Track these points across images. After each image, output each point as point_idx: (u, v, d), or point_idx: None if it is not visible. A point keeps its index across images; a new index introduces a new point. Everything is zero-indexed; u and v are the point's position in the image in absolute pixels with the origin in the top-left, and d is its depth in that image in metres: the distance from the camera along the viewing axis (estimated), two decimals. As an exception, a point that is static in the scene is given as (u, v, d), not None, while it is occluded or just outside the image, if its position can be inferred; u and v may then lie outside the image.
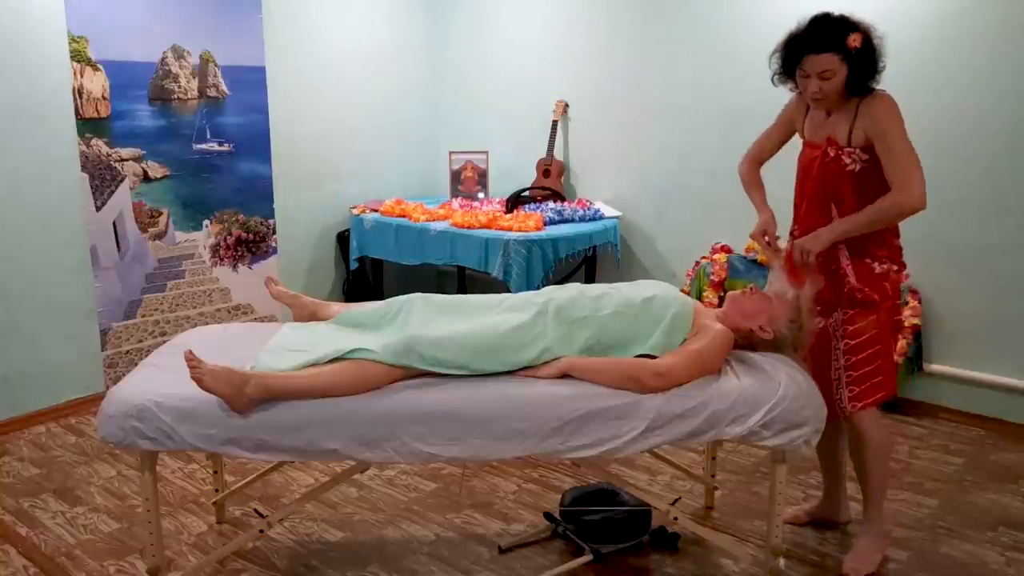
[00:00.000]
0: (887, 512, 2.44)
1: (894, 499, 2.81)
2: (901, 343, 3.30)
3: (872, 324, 2.23)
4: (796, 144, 2.44)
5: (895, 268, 2.25)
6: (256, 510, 2.71)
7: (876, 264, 2.23)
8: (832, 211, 2.24)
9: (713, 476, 2.78)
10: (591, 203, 4.38)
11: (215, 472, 2.67)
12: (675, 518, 2.22)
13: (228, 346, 2.24)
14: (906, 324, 3.34)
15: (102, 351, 3.72)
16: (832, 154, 2.21)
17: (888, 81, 3.47)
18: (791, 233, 2.41)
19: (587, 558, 2.40)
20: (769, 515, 2.14)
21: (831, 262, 2.25)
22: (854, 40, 2.07)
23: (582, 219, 4.19)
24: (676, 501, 2.59)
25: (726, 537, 2.55)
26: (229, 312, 4.21)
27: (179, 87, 3.86)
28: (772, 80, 2.27)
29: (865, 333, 2.24)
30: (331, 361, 2.00)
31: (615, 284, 2.31)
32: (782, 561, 2.21)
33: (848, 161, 2.18)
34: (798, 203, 2.39)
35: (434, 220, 4.21)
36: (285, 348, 2.13)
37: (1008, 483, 2.95)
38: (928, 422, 3.51)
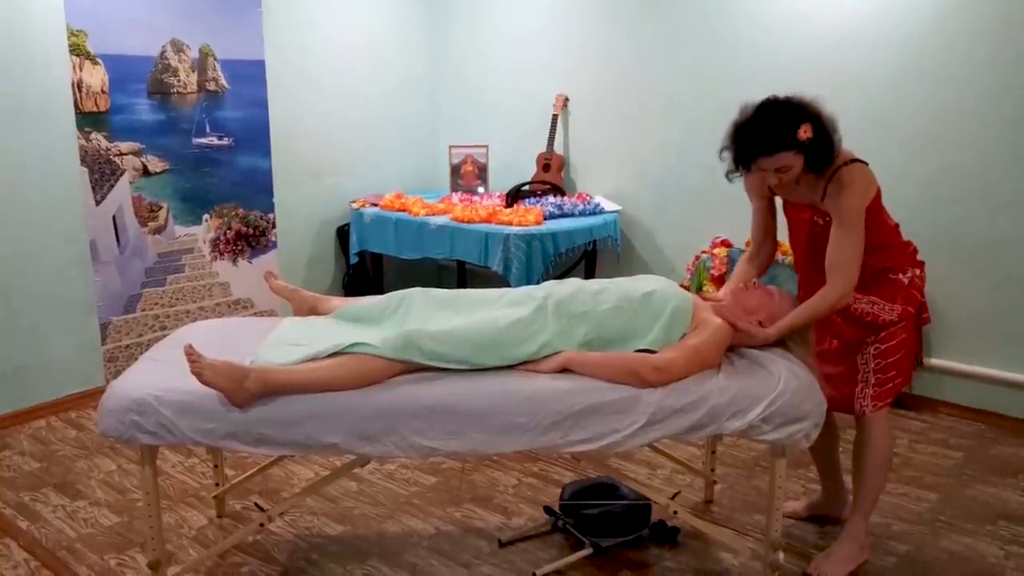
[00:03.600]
0: (871, 525, 2.43)
1: (893, 493, 2.82)
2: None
3: (903, 329, 2.26)
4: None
5: (917, 272, 2.26)
6: (256, 504, 2.71)
7: (902, 276, 2.23)
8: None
9: (713, 470, 2.78)
10: (591, 197, 4.37)
11: (215, 466, 2.67)
12: (675, 512, 2.22)
13: (228, 340, 2.24)
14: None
15: (102, 345, 3.72)
16: (821, 222, 2.21)
17: (889, 76, 3.50)
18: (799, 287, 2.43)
19: (587, 552, 2.41)
20: (769, 509, 2.14)
21: (852, 314, 2.25)
22: (804, 132, 2.02)
23: (582, 213, 4.19)
24: (676, 495, 2.60)
25: (726, 531, 2.55)
26: (229, 306, 4.21)
27: (178, 81, 3.85)
28: (727, 177, 2.22)
29: (898, 337, 2.25)
30: (331, 356, 2.00)
31: (615, 279, 2.31)
32: (781, 555, 2.22)
33: None
34: (797, 258, 2.40)
35: (434, 214, 4.20)
36: (285, 342, 2.13)
37: (1007, 477, 2.96)
38: (928, 416, 3.51)
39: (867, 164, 2.14)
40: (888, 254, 2.22)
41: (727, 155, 2.17)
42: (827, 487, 2.62)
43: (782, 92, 2.13)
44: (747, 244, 3.82)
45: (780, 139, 2.05)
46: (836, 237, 2.12)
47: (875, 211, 2.15)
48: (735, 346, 2.20)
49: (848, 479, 2.54)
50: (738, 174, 2.21)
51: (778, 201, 2.41)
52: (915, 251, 2.29)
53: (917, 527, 2.61)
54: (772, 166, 2.09)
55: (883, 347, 2.25)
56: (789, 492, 2.74)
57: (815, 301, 2.15)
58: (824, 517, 2.63)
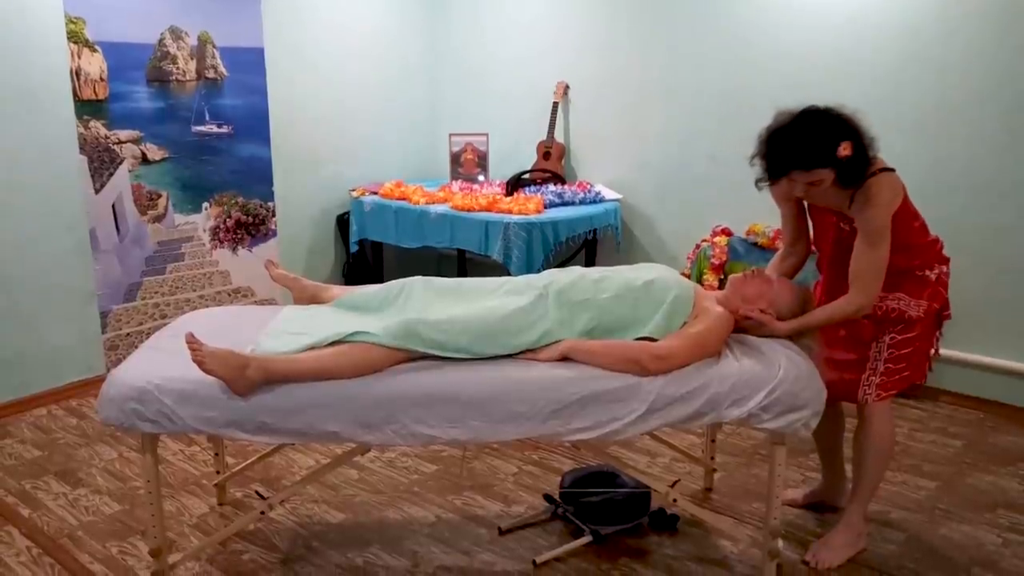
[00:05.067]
0: (867, 514, 2.44)
1: (892, 481, 2.83)
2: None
3: (923, 324, 2.26)
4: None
5: (944, 269, 2.27)
6: (257, 492, 2.72)
7: (929, 272, 2.23)
8: None
9: (712, 458, 2.79)
10: (592, 186, 4.36)
11: (216, 454, 2.68)
12: (674, 500, 2.23)
13: (229, 329, 2.24)
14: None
15: (102, 334, 3.72)
16: (848, 228, 2.20)
17: (891, 63, 3.48)
18: (816, 285, 2.42)
19: (587, 539, 2.42)
20: (768, 497, 2.14)
21: (876, 310, 2.24)
22: (844, 150, 1.97)
23: (583, 202, 4.18)
24: (675, 483, 2.61)
25: (725, 519, 2.56)
26: (229, 295, 4.21)
27: (177, 68, 3.84)
28: (756, 185, 2.16)
29: (916, 330, 2.26)
30: (332, 344, 2.00)
31: (616, 267, 2.30)
32: (780, 542, 2.22)
33: None
34: (820, 260, 2.41)
35: (434, 203, 4.19)
36: (286, 331, 2.13)
37: (1007, 465, 2.97)
38: (928, 404, 3.52)
39: (894, 171, 2.10)
40: (914, 253, 2.21)
41: (758, 162, 2.11)
42: (828, 475, 2.63)
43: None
44: (747, 232, 3.82)
45: (819, 155, 1.99)
46: (860, 251, 2.10)
47: (901, 214, 2.11)
48: (745, 331, 2.21)
49: (849, 468, 2.55)
50: (768, 183, 2.15)
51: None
52: (941, 247, 2.28)
53: (916, 515, 2.62)
54: (805, 180, 2.05)
55: (900, 338, 2.25)
56: (788, 480, 2.74)
57: (834, 308, 2.15)
58: (823, 505, 2.64)
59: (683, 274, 2.51)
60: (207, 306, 4.00)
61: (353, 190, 4.61)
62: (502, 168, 4.69)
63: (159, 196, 3.85)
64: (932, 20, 3.34)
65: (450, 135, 4.71)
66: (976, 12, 3.24)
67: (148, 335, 3.63)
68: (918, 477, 2.87)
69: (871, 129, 2.05)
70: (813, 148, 1.99)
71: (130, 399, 1.92)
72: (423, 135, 5.20)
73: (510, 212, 3.86)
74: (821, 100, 2.08)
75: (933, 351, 2.38)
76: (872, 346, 2.28)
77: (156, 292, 3.90)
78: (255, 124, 4.19)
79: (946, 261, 2.29)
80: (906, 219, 2.15)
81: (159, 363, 2.04)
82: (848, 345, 2.34)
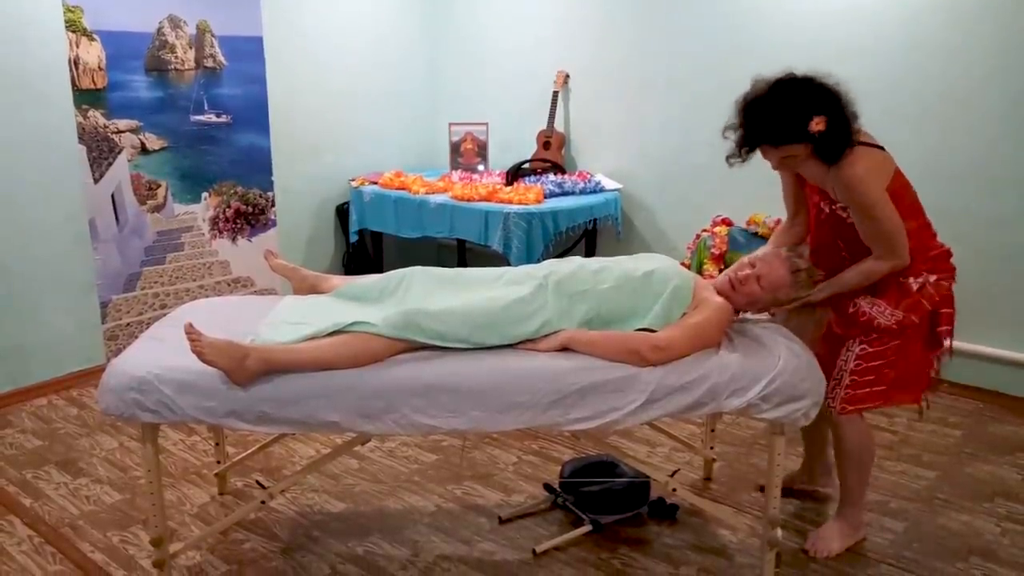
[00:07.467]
0: (866, 505, 2.44)
1: (892, 471, 2.83)
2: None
3: (900, 338, 2.14)
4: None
5: (934, 278, 2.11)
6: (258, 481, 2.73)
7: (912, 280, 2.11)
8: (841, 249, 2.18)
9: (712, 448, 2.79)
10: (592, 175, 4.35)
11: (216, 444, 2.68)
12: (674, 489, 2.23)
13: (228, 319, 2.24)
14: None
15: (102, 324, 3.72)
16: (827, 210, 2.16)
17: (894, 51, 3.47)
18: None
19: (586, 528, 2.42)
20: (768, 487, 2.15)
21: (847, 305, 2.17)
22: (817, 125, 1.89)
23: (583, 192, 4.17)
24: (675, 473, 2.61)
25: (724, 508, 2.57)
26: (229, 285, 4.21)
27: (176, 57, 3.82)
28: (727, 161, 2.08)
29: (888, 344, 2.15)
30: (332, 334, 2.00)
31: (615, 257, 2.30)
32: (780, 532, 2.23)
33: (844, 214, 2.11)
34: (811, 238, 2.35)
35: (433, 193, 4.18)
36: (285, 321, 2.13)
37: (1005, 455, 2.97)
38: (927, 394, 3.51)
39: (882, 148, 2.05)
40: None
41: (731, 134, 2.05)
42: (806, 457, 2.64)
43: (787, 66, 2.00)
44: (748, 223, 3.81)
45: (789, 131, 1.93)
46: (862, 228, 2.05)
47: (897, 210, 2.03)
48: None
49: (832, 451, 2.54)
50: (739, 159, 2.08)
51: None
52: (938, 255, 2.13)
53: (915, 504, 2.63)
54: (778, 155, 2.01)
55: (869, 350, 2.16)
56: (787, 470, 2.74)
57: (868, 271, 2.07)
58: (802, 491, 2.65)
59: (683, 264, 2.49)
60: (207, 296, 4.00)
61: (353, 180, 4.60)
62: (502, 158, 4.68)
63: (158, 186, 3.84)
64: (935, 7, 3.33)
65: (450, 124, 4.70)
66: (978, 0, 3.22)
67: (148, 325, 3.62)
68: (917, 467, 2.88)
69: (874, 112, 2.01)
70: (783, 122, 1.93)
71: (130, 389, 1.93)
72: (423, 124, 5.18)
73: (510, 202, 3.85)
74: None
75: (933, 371, 2.23)
76: (841, 351, 2.21)
77: (156, 282, 3.89)
78: (254, 113, 4.17)
79: (944, 271, 2.13)
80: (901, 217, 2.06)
81: (159, 353, 2.04)
82: (825, 338, 2.30)
